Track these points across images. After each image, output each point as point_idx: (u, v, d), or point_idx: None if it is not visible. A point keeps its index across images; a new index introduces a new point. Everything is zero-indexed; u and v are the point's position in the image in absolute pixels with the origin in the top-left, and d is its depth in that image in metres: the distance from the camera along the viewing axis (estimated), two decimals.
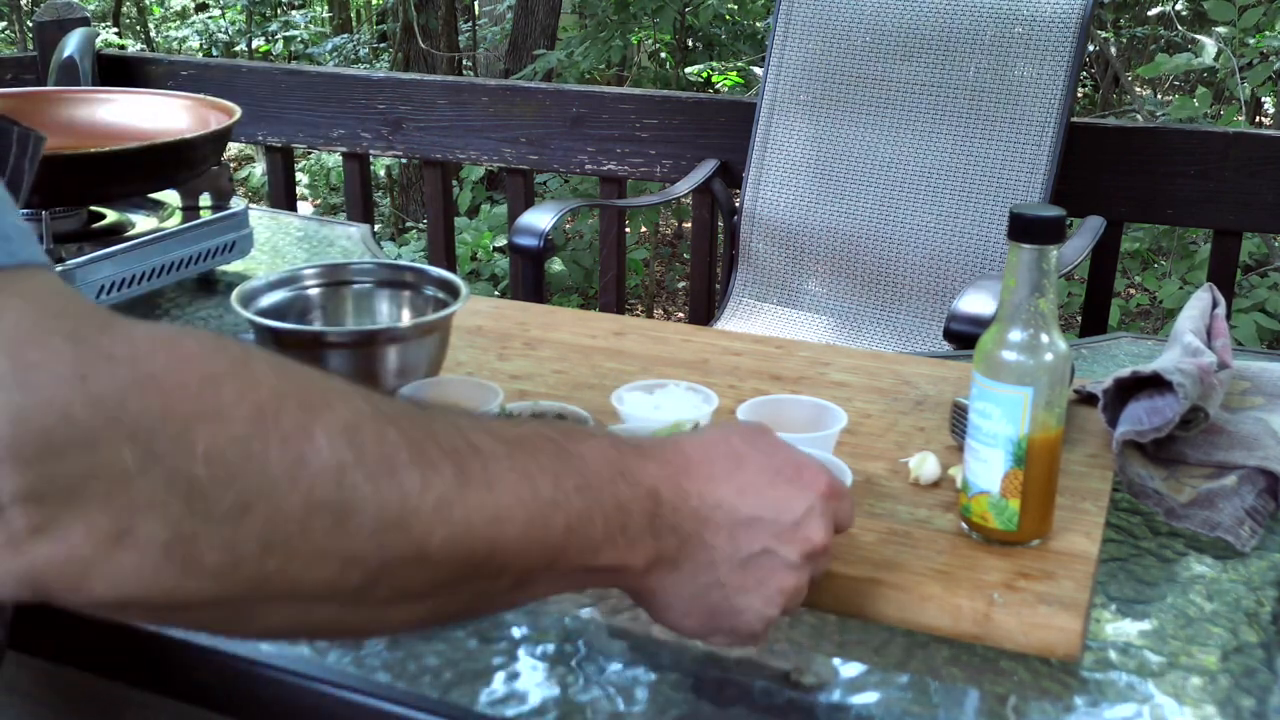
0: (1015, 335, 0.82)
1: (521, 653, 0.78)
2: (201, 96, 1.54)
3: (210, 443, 0.48)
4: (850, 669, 0.77)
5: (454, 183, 4.78)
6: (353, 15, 7.94)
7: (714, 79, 5.39)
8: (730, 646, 0.75)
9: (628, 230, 3.76)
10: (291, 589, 0.52)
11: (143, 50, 7.50)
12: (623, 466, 0.64)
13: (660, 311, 5.09)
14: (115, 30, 7.74)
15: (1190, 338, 1.05)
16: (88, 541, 0.46)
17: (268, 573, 0.51)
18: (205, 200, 1.47)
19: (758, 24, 5.67)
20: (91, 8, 7.65)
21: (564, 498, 0.60)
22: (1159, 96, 5.79)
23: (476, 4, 7.13)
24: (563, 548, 0.61)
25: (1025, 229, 0.80)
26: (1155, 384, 0.99)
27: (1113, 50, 5.75)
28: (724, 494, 0.68)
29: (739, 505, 0.68)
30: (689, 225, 3.37)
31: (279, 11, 7.77)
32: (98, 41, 2.95)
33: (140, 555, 0.47)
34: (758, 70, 5.05)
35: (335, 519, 0.51)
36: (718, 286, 2.75)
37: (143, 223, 1.42)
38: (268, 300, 1.08)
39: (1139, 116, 4.63)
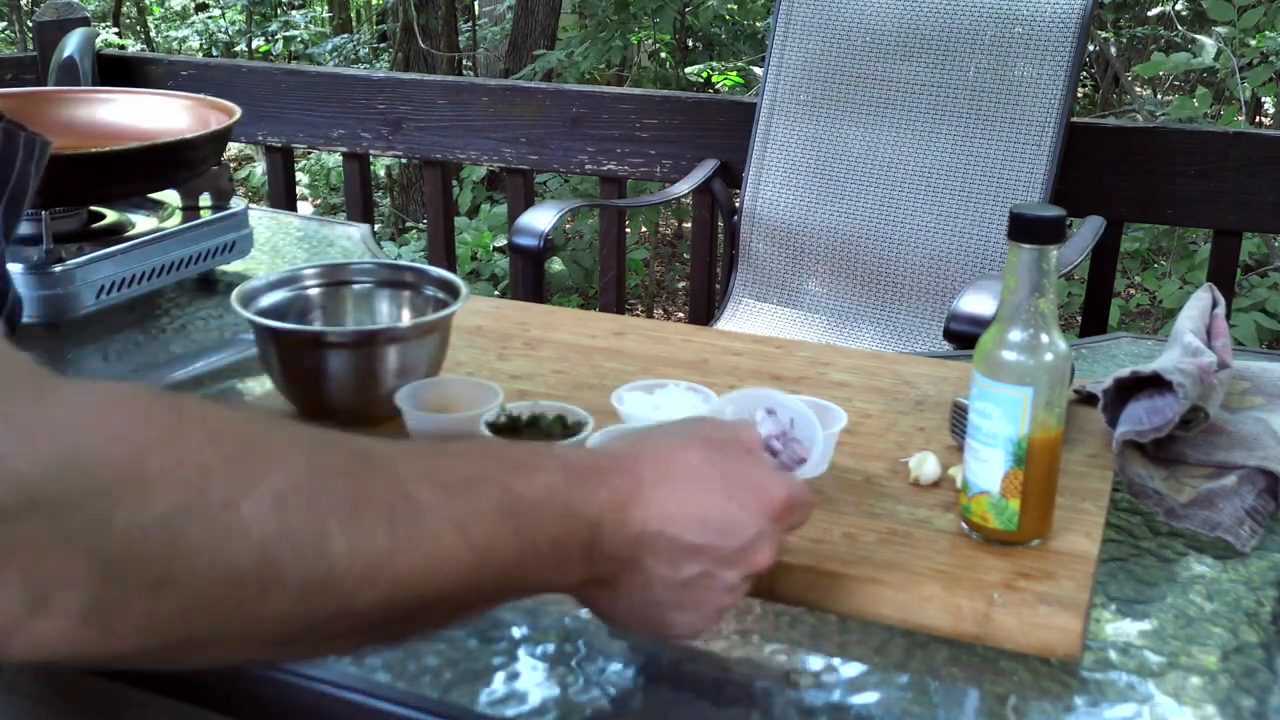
0: (1015, 335, 0.82)
1: (521, 653, 0.78)
2: (201, 96, 1.54)
3: (130, 520, 0.48)
4: (850, 669, 0.77)
5: (454, 183, 4.78)
6: (353, 15, 7.94)
7: (714, 79, 5.40)
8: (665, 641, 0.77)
9: (628, 230, 3.76)
10: (214, 643, 0.54)
11: (143, 50, 7.50)
12: (568, 501, 0.65)
13: (660, 311, 5.09)
14: (115, 30, 7.74)
15: (1190, 338, 1.05)
16: (7, 611, 0.47)
17: (191, 632, 0.52)
18: (205, 200, 1.47)
19: (758, 24, 5.67)
20: (91, 8, 7.65)
21: (499, 543, 0.61)
22: (1159, 96, 5.79)
23: (476, 4, 7.13)
24: (493, 588, 0.63)
25: (1025, 229, 0.80)
26: (1155, 384, 0.99)
27: (1113, 50, 5.75)
28: (670, 518, 0.68)
29: (683, 532, 0.68)
30: (689, 225, 3.37)
31: (279, 11, 7.76)
32: (98, 41, 2.95)
33: (59, 623, 0.48)
34: (758, 70, 5.05)
35: (258, 590, 0.52)
36: (718, 286, 2.75)
37: (143, 223, 1.42)
38: (268, 300, 1.08)
39: (1139, 116, 4.63)
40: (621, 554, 0.67)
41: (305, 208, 6.11)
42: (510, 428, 0.93)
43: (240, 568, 0.51)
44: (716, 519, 0.69)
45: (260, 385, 1.15)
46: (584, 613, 0.81)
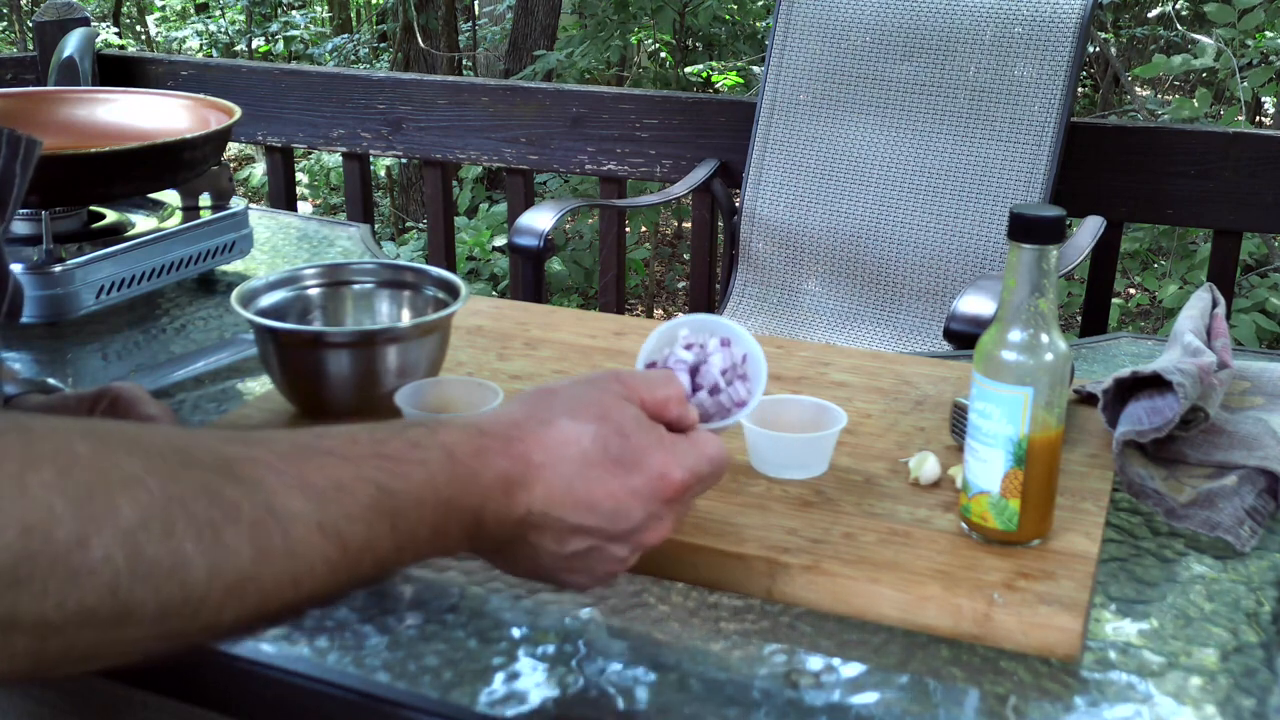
0: (1015, 335, 0.82)
1: (521, 653, 0.78)
2: (201, 96, 1.54)
3: None
4: (850, 669, 0.77)
5: (454, 183, 4.78)
6: (353, 15, 7.94)
7: (714, 79, 5.40)
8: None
9: (628, 230, 3.76)
10: (74, 666, 0.54)
11: (143, 50, 7.50)
12: (449, 494, 0.65)
13: (660, 311, 5.09)
14: (115, 30, 7.74)
15: (1190, 338, 1.05)
16: None
17: (45, 665, 0.52)
18: (205, 200, 1.47)
19: (758, 24, 5.68)
20: (91, 8, 7.65)
21: (375, 540, 0.62)
22: (1159, 96, 5.79)
23: (476, 4, 7.13)
24: (371, 578, 0.64)
25: (1025, 229, 0.80)
26: (1155, 384, 0.99)
27: (1113, 50, 5.75)
28: (557, 502, 0.68)
29: (568, 515, 0.69)
30: (689, 225, 3.37)
31: (279, 12, 7.76)
32: (98, 41, 2.95)
33: None
34: (758, 70, 5.05)
35: (112, 623, 0.52)
36: (718, 286, 2.75)
37: (143, 223, 1.42)
38: (268, 300, 1.08)
39: (1139, 116, 4.63)
40: (504, 534, 0.69)
41: (305, 208, 6.11)
42: None
43: (90, 607, 0.51)
44: (605, 504, 0.69)
45: (260, 385, 1.15)
46: (584, 613, 0.81)
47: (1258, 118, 5.72)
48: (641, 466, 0.71)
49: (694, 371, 0.86)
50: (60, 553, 0.50)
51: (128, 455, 0.55)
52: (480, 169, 5.04)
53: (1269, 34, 4.01)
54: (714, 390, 0.85)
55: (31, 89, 1.83)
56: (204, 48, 7.76)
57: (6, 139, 0.84)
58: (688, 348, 0.87)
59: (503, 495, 0.67)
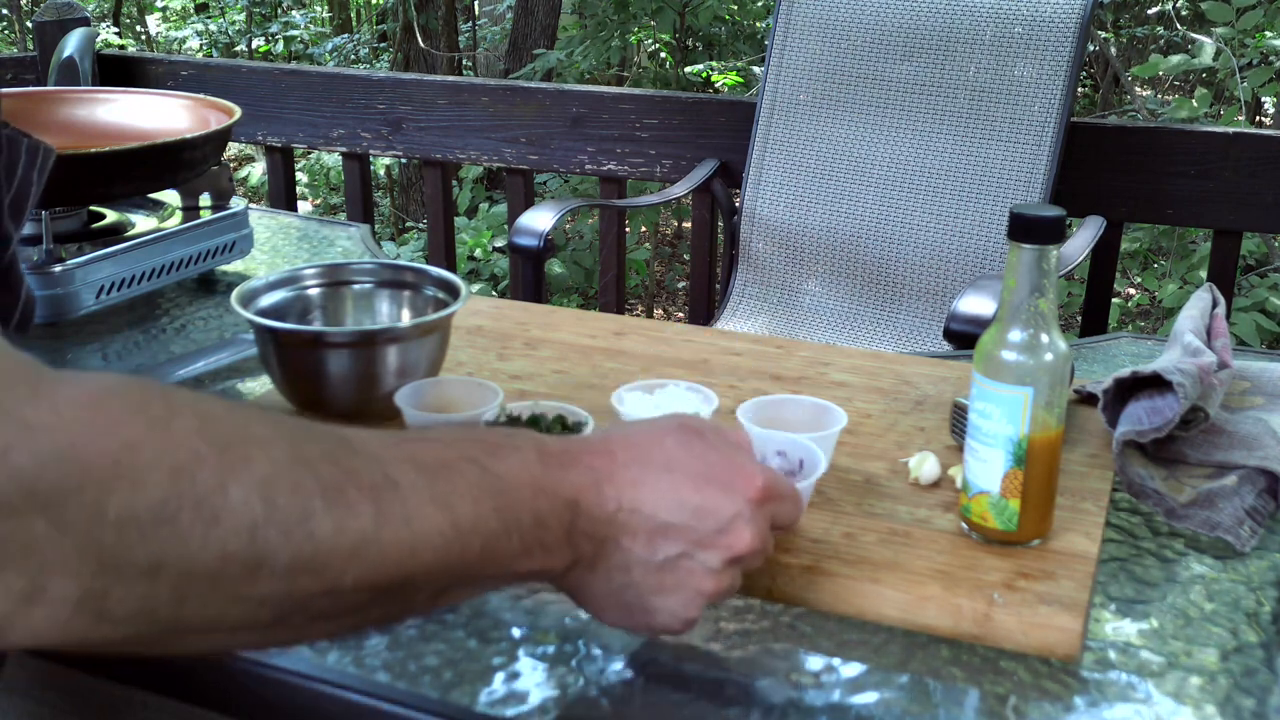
0: (1015, 335, 0.82)
1: (521, 653, 0.78)
2: (201, 96, 1.54)
3: (123, 508, 0.50)
4: (850, 669, 0.77)
5: (454, 182, 4.78)
6: (353, 15, 7.94)
7: (714, 79, 5.40)
8: (656, 636, 0.77)
9: (628, 230, 3.76)
10: (208, 627, 0.55)
11: (143, 50, 7.50)
12: (544, 481, 0.66)
13: (660, 311, 5.09)
14: (115, 30, 7.74)
15: (1190, 338, 1.05)
16: (4, 600, 0.49)
17: (182, 616, 0.53)
18: (205, 200, 1.47)
19: (758, 24, 5.68)
20: (91, 8, 7.65)
21: (482, 521, 0.62)
22: (1159, 96, 5.79)
23: (476, 4, 7.13)
24: (479, 566, 0.64)
25: (1025, 229, 0.80)
26: (1155, 384, 0.99)
27: (1113, 50, 5.75)
28: (645, 499, 0.69)
29: (658, 511, 0.69)
30: (689, 225, 3.37)
31: (279, 12, 7.76)
32: (98, 41, 2.95)
33: (53, 610, 0.50)
34: (758, 70, 5.05)
35: (247, 570, 0.54)
36: (718, 286, 2.75)
37: (143, 223, 1.42)
38: (268, 300, 1.08)
39: (1139, 116, 4.63)
40: (599, 532, 0.68)
41: (305, 208, 6.11)
42: (510, 428, 0.93)
43: (230, 551, 0.53)
44: (691, 499, 0.69)
45: (260, 385, 1.15)
46: (584, 613, 0.81)
47: (1258, 118, 5.72)
48: (724, 466, 0.71)
49: None
50: (203, 494, 0.52)
51: (258, 419, 0.58)
52: (480, 169, 5.04)
53: (1268, 34, 4.01)
54: None
55: (31, 89, 1.83)
56: (204, 48, 7.76)
57: (26, 147, 0.84)
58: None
59: (593, 489, 0.68)
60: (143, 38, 8.23)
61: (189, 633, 0.55)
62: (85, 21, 2.93)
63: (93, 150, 1.29)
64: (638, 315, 4.68)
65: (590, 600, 0.72)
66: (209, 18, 8.00)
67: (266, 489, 0.54)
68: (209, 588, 0.53)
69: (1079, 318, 2.81)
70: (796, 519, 0.77)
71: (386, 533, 0.58)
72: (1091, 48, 4.98)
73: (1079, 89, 2.47)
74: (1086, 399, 1.08)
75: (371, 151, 2.85)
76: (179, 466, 0.51)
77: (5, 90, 1.61)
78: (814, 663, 0.77)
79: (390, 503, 0.59)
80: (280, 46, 7.51)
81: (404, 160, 5.24)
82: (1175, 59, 3.98)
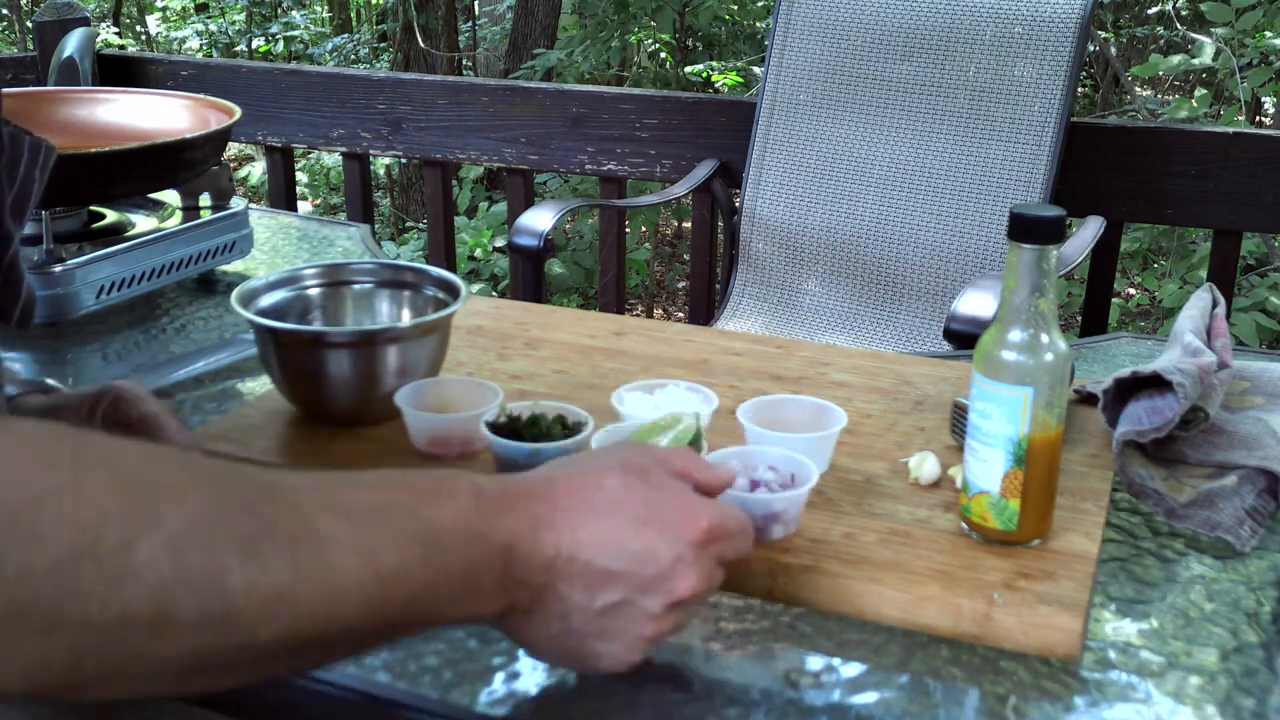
0: (1015, 335, 0.82)
1: (521, 653, 0.78)
2: (201, 96, 1.54)
3: (22, 566, 0.49)
4: (850, 669, 0.77)
5: (454, 182, 4.78)
6: (353, 15, 7.94)
7: (714, 79, 5.40)
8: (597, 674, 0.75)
9: (628, 230, 3.76)
10: (108, 681, 0.54)
11: (143, 50, 7.50)
12: (479, 527, 0.65)
13: (660, 311, 5.09)
14: (115, 30, 7.74)
15: (1190, 338, 1.05)
16: None
17: (80, 672, 0.52)
18: (205, 200, 1.47)
19: (758, 24, 5.68)
20: (91, 8, 7.65)
21: (408, 571, 0.61)
22: (1159, 96, 5.79)
23: (476, 4, 7.13)
24: (405, 615, 0.62)
25: (1025, 229, 0.80)
26: (1155, 384, 0.99)
27: (1113, 50, 5.75)
28: (584, 544, 0.67)
29: (597, 558, 0.67)
30: (689, 225, 3.37)
31: (279, 12, 7.76)
32: (98, 41, 2.95)
33: None
34: (758, 70, 5.05)
35: (151, 629, 0.52)
36: (718, 286, 2.75)
37: (143, 223, 1.42)
38: (268, 300, 1.08)
39: (1139, 116, 4.63)
40: (535, 580, 0.67)
41: (305, 207, 6.11)
42: (510, 428, 0.93)
43: (133, 611, 0.51)
44: (632, 545, 0.68)
45: (260, 385, 1.15)
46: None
47: (1258, 118, 5.72)
48: (666, 508, 0.70)
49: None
50: (108, 553, 0.51)
51: (174, 467, 0.56)
52: (480, 169, 5.04)
53: (1268, 34, 4.01)
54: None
55: (31, 89, 1.83)
56: (204, 48, 7.76)
57: (28, 145, 0.84)
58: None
59: (530, 535, 0.66)
60: (143, 38, 8.23)
61: (89, 686, 0.54)
62: (85, 21, 2.93)
63: (93, 150, 1.29)
64: (638, 315, 4.69)
65: (529, 643, 0.71)
66: (209, 18, 8.00)
67: (177, 546, 0.53)
68: (109, 646, 0.52)
69: (1079, 318, 2.81)
70: (746, 553, 0.75)
71: (304, 587, 0.57)
72: (1091, 48, 4.98)
73: (1079, 89, 2.47)
74: (1086, 399, 1.08)
75: (371, 151, 2.85)
76: (84, 524, 0.50)
77: (5, 90, 1.61)
78: (814, 663, 0.77)
79: (310, 555, 0.57)
80: (280, 46, 7.50)
81: (404, 160, 5.24)
82: (1175, 59, 3.98)
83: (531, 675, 0.76)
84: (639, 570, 0.68)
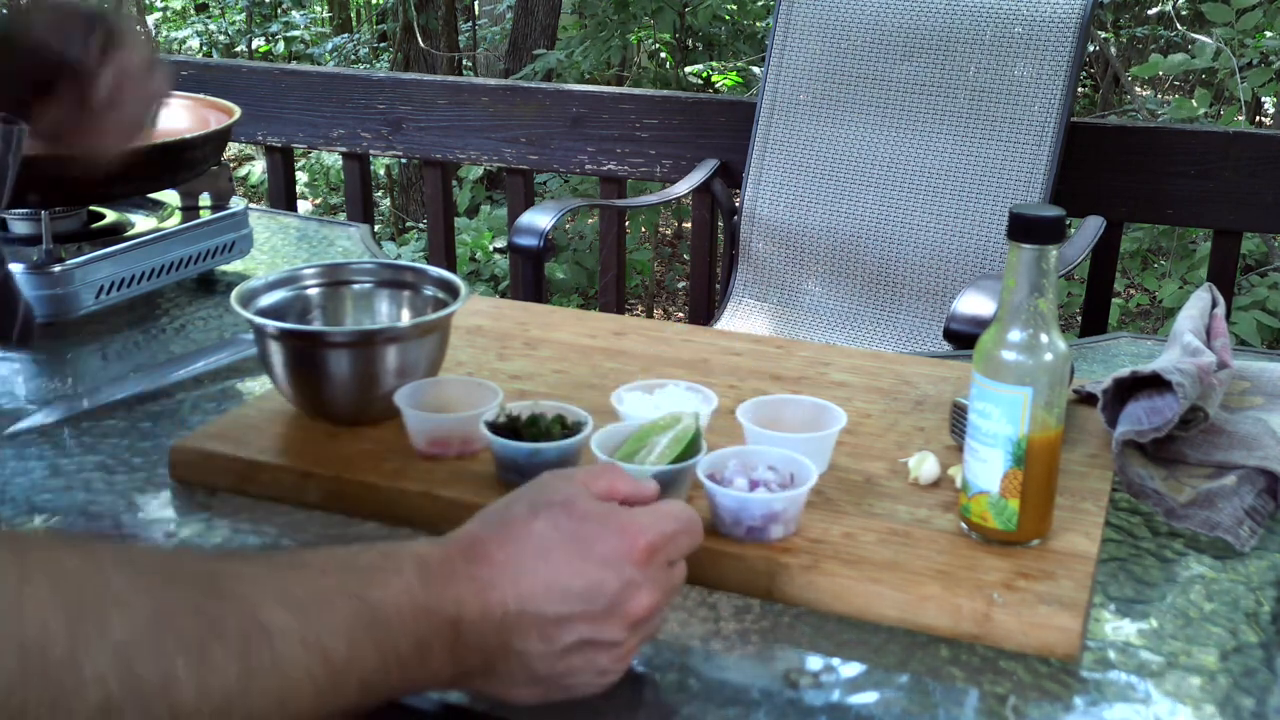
0: (1015, 335, 0.82)
1: None
2: (201, 96, 1.53)
3: None
4: (850, 669, 0.77)
5: (454, 183, 4.78)
6: (353, 15, 7.94)
7: (714, 79, 5.40)
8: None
9: (628, 230, 3.76)
10: None
11: None
12: (425, 601, 0.64)
13: (660, 311, 5.09)
14: None
15: (1190, 338, 1.05)
16: None
17: None
18: (205, 200, 1.47)
19: (758, 24, 5.68)
20: None
21: (358, 658, 0.61)
22: (1159, 96, 5.79)
23: (476, 4, 7.13)
24: (356, 699, 0.62)
25: (1025, 229, 0.80)
26: (1155, 384, 0.99)
27: (1113, 50, 5.75)
28: (528, 596, 0.67)
29: (545, 606, 0.67)
30: (689, 225, 3.37)
31: (279, 12, 7.76)
32: None
33: None
34: (758, 70, 5.05)
35: None
36: (718, 286, 2.75)
37: (143, 223, 1.42)
38: (268, 300, 1.08)
39: (1139, 116, 4.63)
40: (489, 644, 0.66)
41: (305, 207, 6.11)
42: (510, 428, 0.93)
43: None
44: (576, 584, 0.68)
45: (260, 385, 1.15)
46: None
47: (1258, 118, 5.72)
48: (601, 536, 0.69)
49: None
50: (54, 672, 0.50)
51: (115, 570, 0.55)
52: (480, 169, 5.04)
53: (1268, 34, 4.01)
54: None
55: None
56: (204, 48, 7.76)
57: (0, 133, 0.84)
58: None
59: (476, 599, 0.66)
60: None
61: None
62: None
63: None
64: (638, 315, 4.69)
65: (500, 697, 0.70)
66: (209, 18, 8.00)
67: (123, 657, 0.52)
68: None
69: (1079, 318, 2.81)
70: (698, 543, 0.74)
71: (255, 684, 0.56)
72: (1091, 48, 4.99)
73: (1079, 89, 2.47)
74: (1086, 399, 1.08)
75: (371, 151, 2.85)
76: (28, 645, 0.49)
77: None
78: (814, 663, 0.77)
79: (259, 651, 0.57)
80: (280, 46, 7.50)
81: (404, 160, 5.24)
82: (1175, 59, 3.98)
83: None
84: (590, 606, 0.68)
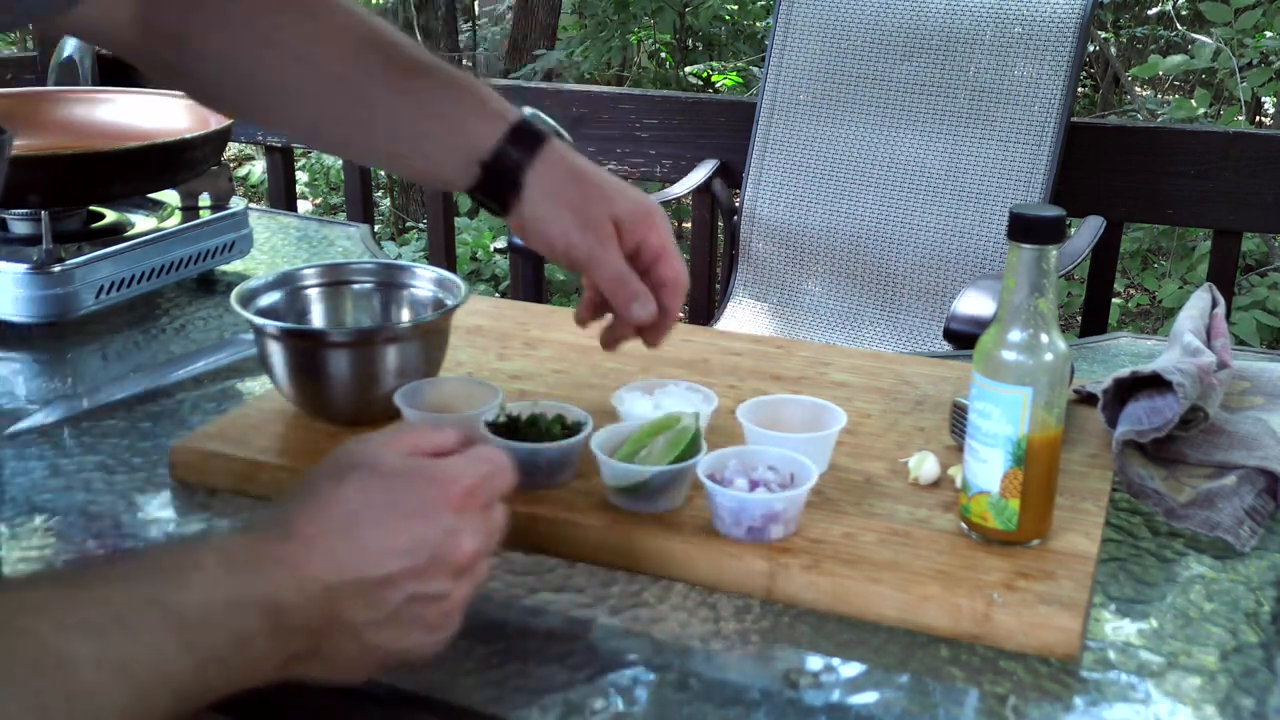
0: (1015, 335, 0.82)
1: (516, 652, 0.78)
2: None
3: None
4: (850, 669, 0.77)
5: None
6: None
7: (714, 79, 5.40)
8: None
9: None
10: None
11: None
12: (235, 594, 0.62)
13: None
14: None
15: (1190, 338, 1.05)
16: None
17: None
18: (205, 200, 1.47)
19: (758, 24, 5.68)
20: None
21: (170, 672, 0.59)
22: (1159, 96, 5.79)
23: (476, 4, 7.13)
24: (178, 708, 0.60)
25: (1025, 229, 0.80)
26: (1155, 384, 0.99)
27: (1113, 50, 5.75)
28: (348, 564, 0.65)
29: (365, 570, 0.65)
30: (689, 225, 3.37)
31: None
32: None
33: None
34: (758, 70, 5.05)
35: None
36: (718, 286, 2.75)
37: (143, 223, 1.42)
38: (267, 300, 1.08)
39: (1139, 116, 4.63)
40: (314, 622, 0.64)
41: (305, 207, 6.11)
42: (510, 428, 0.93)
43: None
44: (392, 543, 0.66)
45: (260, 385, 1.15)
46: (584, 613, 0.81)
47: (1258, 118, 5.72)
48: (412, 489, 0.68)
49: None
50: None
51: None
52: None
53: (1268, 34, 4.01)
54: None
55: (31, 89, 1.83)
56: None
57: None
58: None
59: (291, 579, 0.63)
60: None
61: None
62: None
63: (93, 150, 1.28)
64: None
65: (334, 675, 0.68)
66: None
67: None
68: None
69: (1079, 318, 2.81)
70: (511, 481, 0.72)
71: None
72: (1091, 48, 4.99)
73: (1079, 89, 2.47)
74: (1086, 399, 1.08)
75: None
76: None
77: (4, 90, 1.61)
78: (814, 663, 0.77)
79: (55, 686, 0.54)
80: None
81: None
82: (1175, 59, 3.98)
83: (531, 675, 0.76)
84: (413, 562, 0.66)
